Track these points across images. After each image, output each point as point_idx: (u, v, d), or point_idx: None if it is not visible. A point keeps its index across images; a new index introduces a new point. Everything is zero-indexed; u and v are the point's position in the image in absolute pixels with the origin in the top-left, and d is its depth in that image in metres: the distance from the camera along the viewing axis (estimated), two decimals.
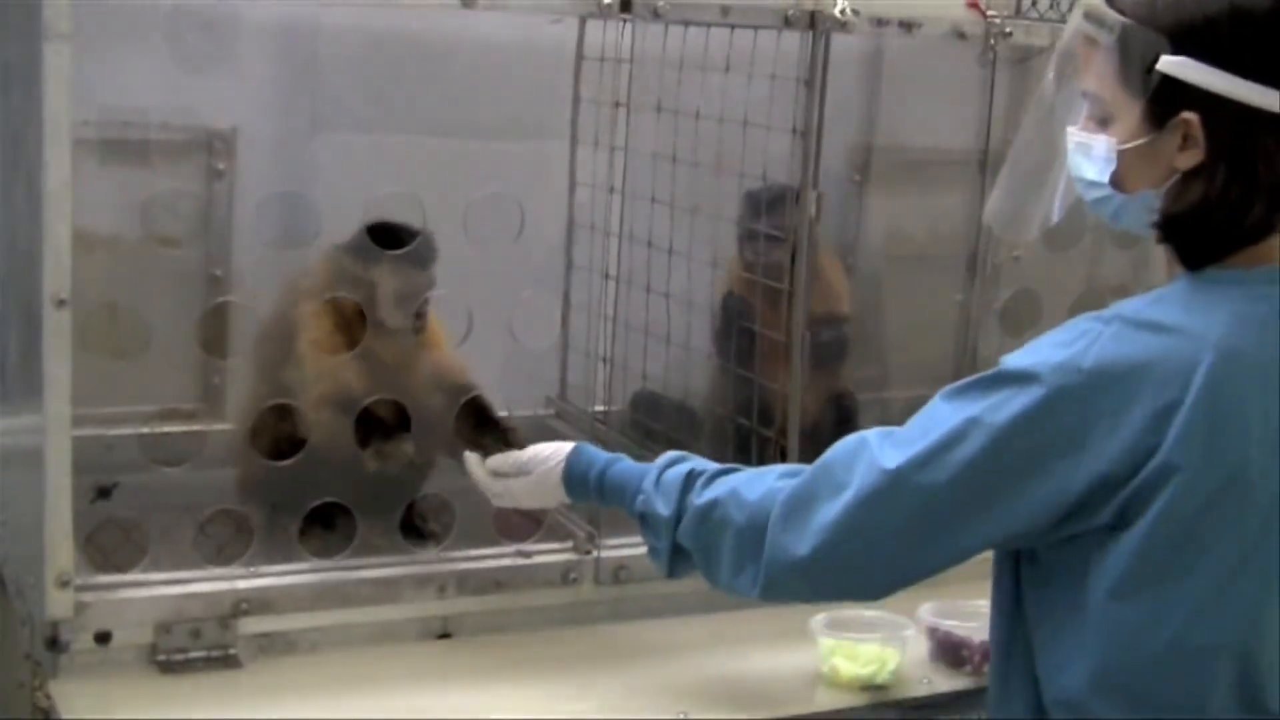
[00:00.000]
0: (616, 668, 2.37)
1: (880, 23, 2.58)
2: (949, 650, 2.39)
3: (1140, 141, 1.71)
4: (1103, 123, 1.75)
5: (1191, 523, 1.65)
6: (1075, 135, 1.79)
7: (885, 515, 1.79)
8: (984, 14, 2.65)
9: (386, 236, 2.46)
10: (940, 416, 1.78)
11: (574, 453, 2.25)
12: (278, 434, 2.44)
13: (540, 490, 2.29)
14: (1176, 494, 1.64)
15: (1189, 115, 1.67)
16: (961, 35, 2.66)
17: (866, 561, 1.84)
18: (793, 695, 2.30)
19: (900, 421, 1.88)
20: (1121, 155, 1.72)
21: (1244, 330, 1.67)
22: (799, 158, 2.55)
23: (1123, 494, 1.66)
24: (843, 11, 2.50)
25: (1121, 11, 1.71)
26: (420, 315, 2.50)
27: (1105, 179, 1.75)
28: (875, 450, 1.82)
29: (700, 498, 2.04)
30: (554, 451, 2.28)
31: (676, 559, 2.09)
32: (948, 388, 1.81)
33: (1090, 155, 1.76)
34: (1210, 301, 1.70)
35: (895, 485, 1.77)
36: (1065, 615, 1.76)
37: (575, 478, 2.23)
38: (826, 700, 2.30)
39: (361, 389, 2.44)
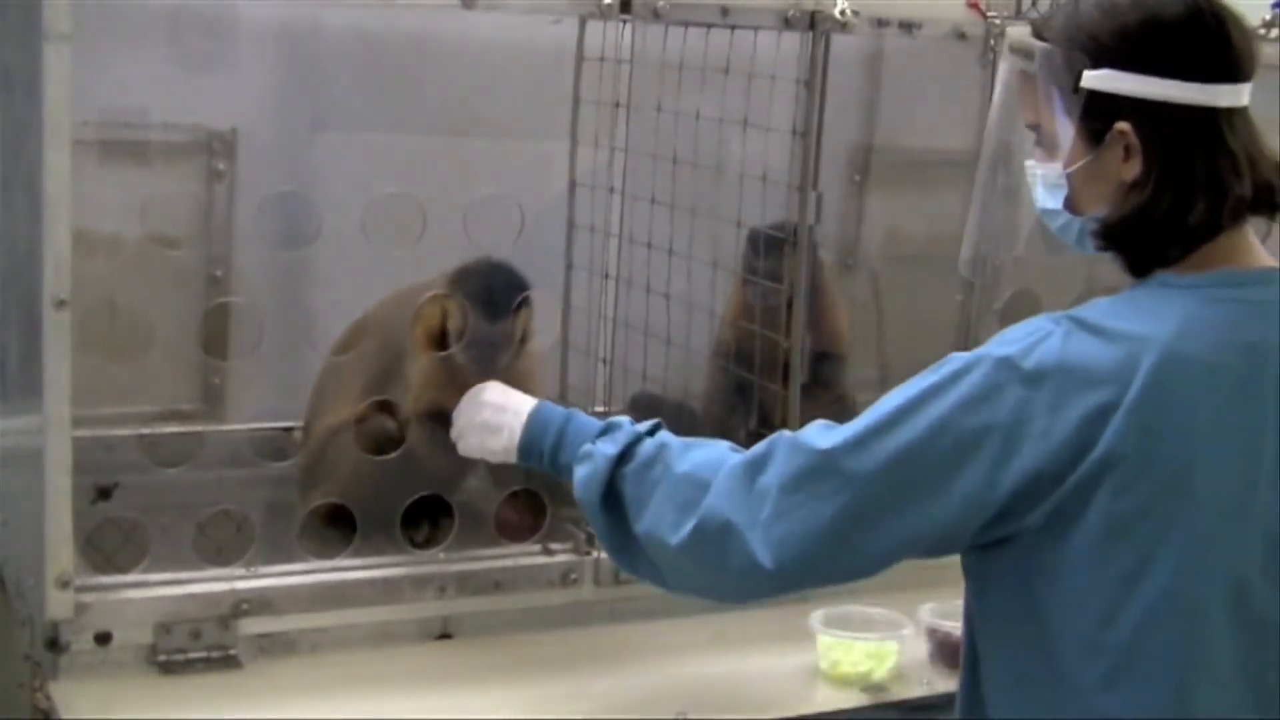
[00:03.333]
0: (616, 668, 2.37)
1: (880, 23, 2.58)
2: (949, 651, 2.39)
3: (1084, 161, 1.73)
4: (1051, 150, 1.78)
5: (1131, 523, 1.65)
6: (1030, 167, 1.82)
7: (811, 497, 1.77)
8: (984, 14, 2.65)
9: (475, 276, 2.47)
10: (882, 404, 1.78)
11: (536, 408, 2.21)
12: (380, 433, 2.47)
13: (486, 429, 2.25)
14: (1113, 493, 1.64)
15: (1122, 125, 1.69)
16: (961, 35, 2.66)
17: (790, 540, 1.79)
18: (792, 696, 2.30)
19: None
20: (1070, 179, 1.75)
21: (1194, 332, 1.67)
22: (799, 158, 2.55)
23: (1056, 494, 1.66)
24: (843, 12, 2.50)
25: (1043, 39, 1.75)
26: (489, 361, 2.45)
27: (1060, 204, 1.77)
28: (814, 431, 1.82)
29: (649, 446, 2.00)
30: (519, 402, 2.24)
31: (607, 497, 2.02)
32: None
33: (1046, 184, 1.79)
34: (1162, 305, 1.70)
35: (824, 466, 1.76)
36: (1009, 626, 1.76)
37: (536, 427, 2.18)
38: (826, 700, 2.30)
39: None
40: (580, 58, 2.85)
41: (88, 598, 2.18)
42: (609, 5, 2.39)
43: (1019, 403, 1.67)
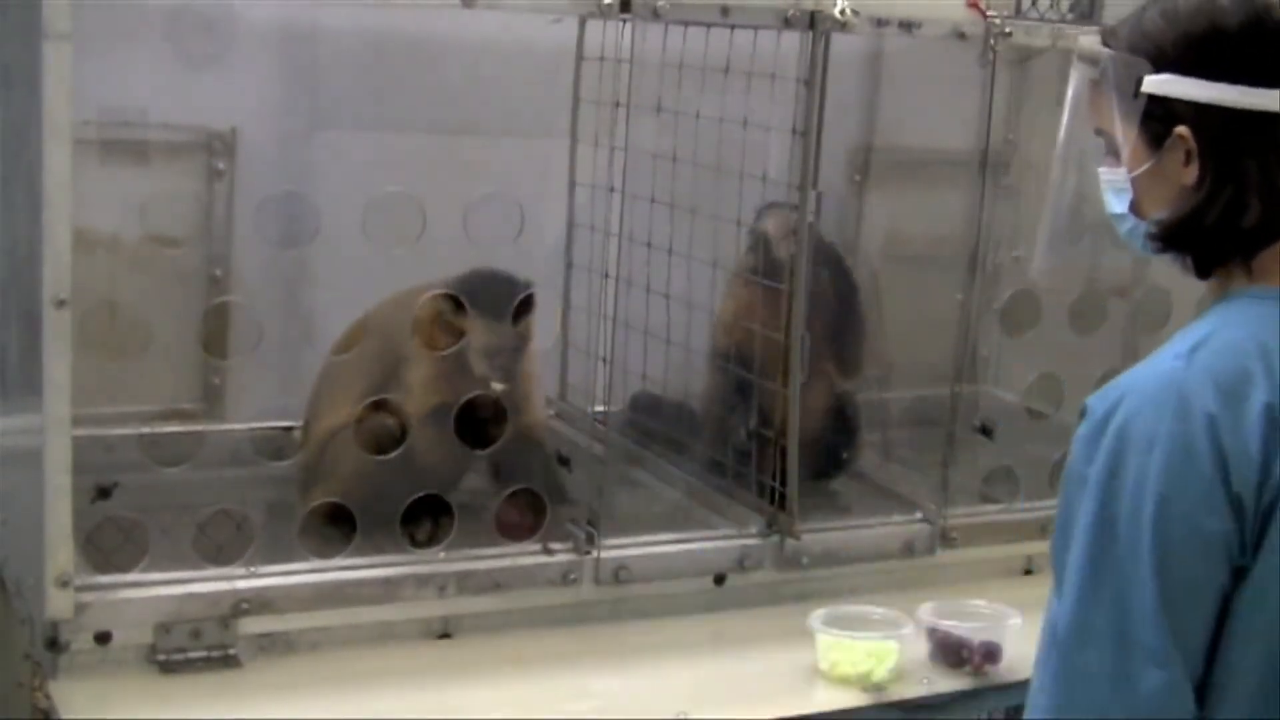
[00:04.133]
0: (616, 668, 2.37)
1: (880, 23, 2.57)
2: (949, 650, 2.39)
3: (1146, 165, 1.76)
4: (1117, 156, 1.80)
5: None
6: (1102, 173, 1.84)
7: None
8: (984, 14, 2.65)
9: (481, 288, 2.51)
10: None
11: None
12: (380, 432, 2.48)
13: None
14: None
15: (1182, 130, 1.72)
16: (961, 35, 2.66)
17: None
18: (792, 695, 2.30)
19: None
20: (1135, 183, 1.78)
21: None
22: (799, 158, 2.55)
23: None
24: (843, 11, 2.50)
25: (1110, 47, 1.79)
26: (508, 369, 2.54)
27: (1126, 209, 1.80)
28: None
29: None
30: None
31: None
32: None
33: (1115, 189, 1.82)
34: (1262, 316, 1.71)
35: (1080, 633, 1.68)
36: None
37: None
38: (826, 700, 2.30)
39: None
40: (580, 57, 2.85)
41: (87, 597, 2.18)
42: (609, 5, 2.39)
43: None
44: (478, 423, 2.49)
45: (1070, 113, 1.92)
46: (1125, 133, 1.77)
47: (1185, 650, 1.62)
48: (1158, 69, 1.73)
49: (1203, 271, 1.78)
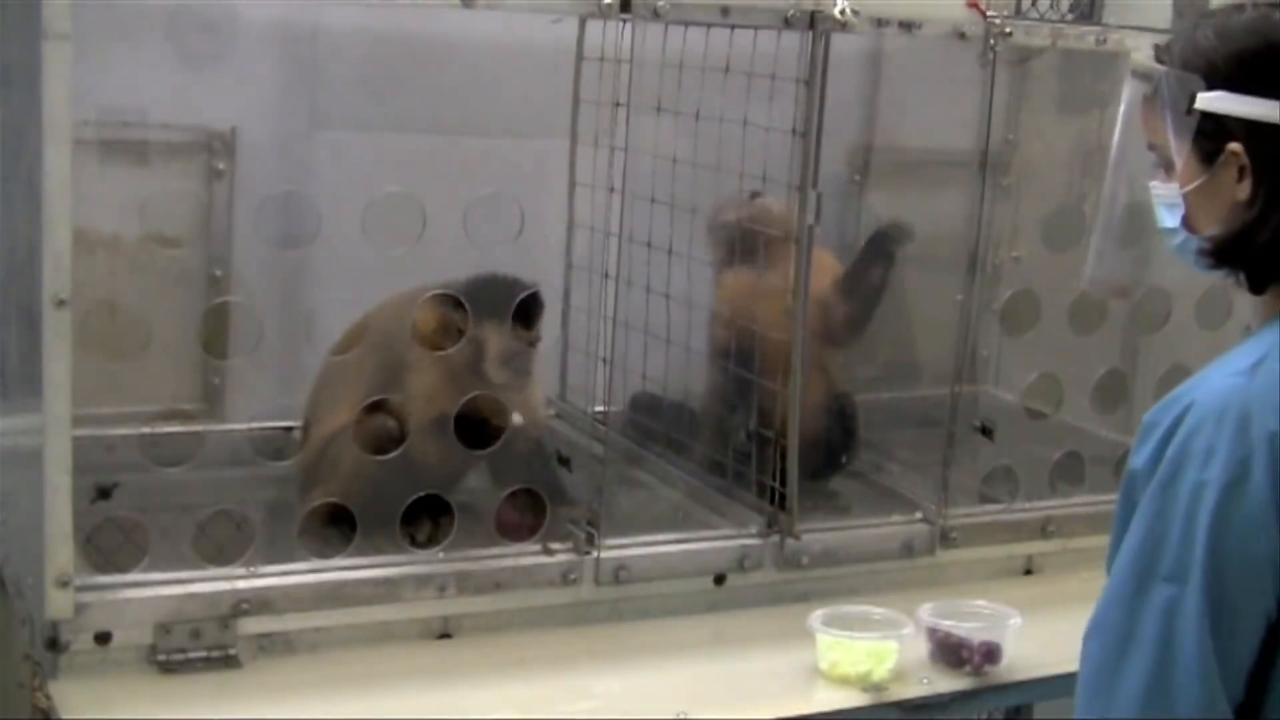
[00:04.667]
0: (616, 668, 2.37)
1: (880, 23, 2.57)
2: (949, 650, 2.39)
3: (1199, 181, 1.77)
4: (1169, 171, 1.81)
5: None
6: (1153, 188, 1.85)
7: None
8: (984, 14, 2.65)
9: (491, 294, 2.51)
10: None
11: None
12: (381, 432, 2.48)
13: None
14: None
15: (1234, 146, 1.73)
16: (961, 35, 2.66)
17: None
18: (792, 695, 2.30)
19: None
20: (1187, 198, 1.79)
21: None
22: (799, 158, 2.55)
23: None
24: (843, 11, 2.50)
25: (1163, 62, 1.79)
26: (525, 372, 2.57)
27: (1178, 223, 1.81)
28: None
29: None
30: None
31: None
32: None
33: (1166, 204, 1.82)
34: None
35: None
36: None
37: None
38: (825, 700, 2.30)
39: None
40: (580, 58, 2.85)
41: (88, 597, 2.18)
42: (609, 5, 2.39)
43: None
44: (478, 423, 2.49)
45: (1122, 126, 1.92)
46: (1178, 148, 1.78)
47: (1227, 670, 1.62)
48: (1210, 86, 1.73)
49: (1256, 287, 1.78)
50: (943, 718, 2.35)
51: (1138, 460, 1.70)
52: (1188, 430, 1.64)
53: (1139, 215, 1.96)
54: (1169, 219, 1.82)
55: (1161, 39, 1.84)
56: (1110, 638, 1.67)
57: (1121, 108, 1.92)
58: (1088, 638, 1.71)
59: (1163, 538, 1.64)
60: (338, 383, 2.63)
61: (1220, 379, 1.68)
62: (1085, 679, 1.70)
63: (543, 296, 2.57)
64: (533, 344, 2.58)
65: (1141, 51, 1.86)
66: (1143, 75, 1.82)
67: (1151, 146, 1.84)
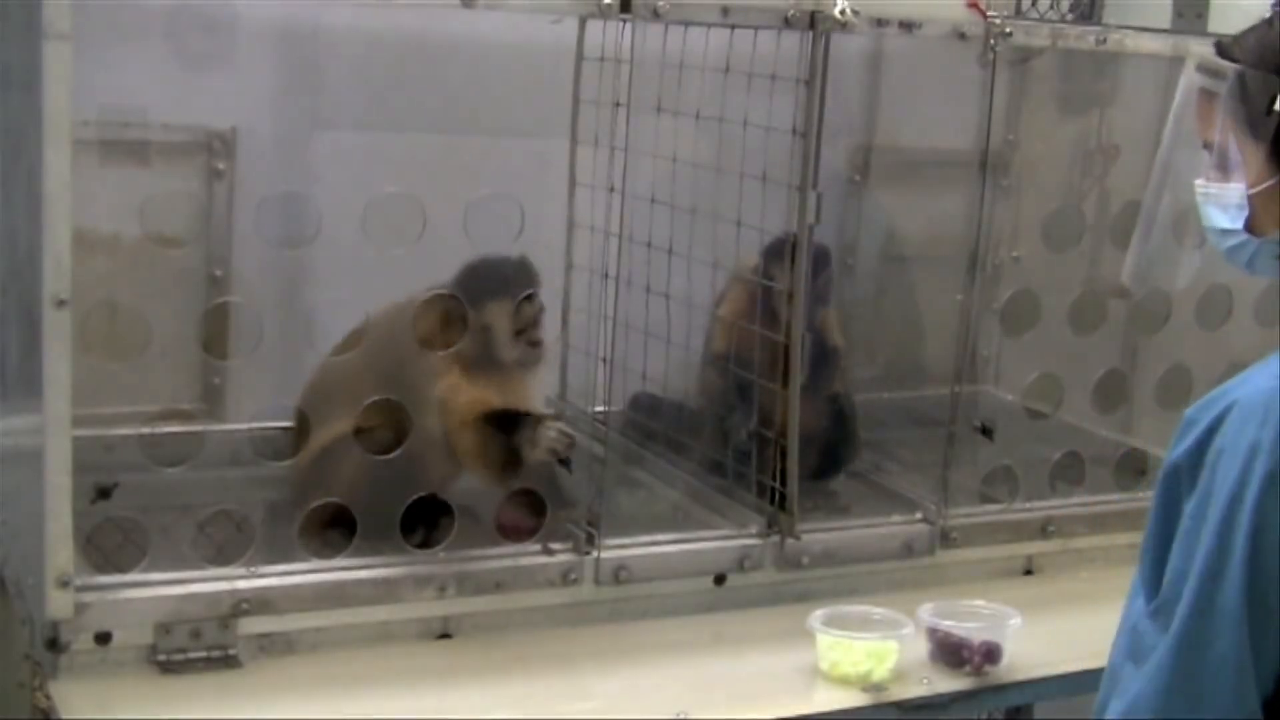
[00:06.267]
0: (616, 668, 2.37)
1: (880, 23, 2.57)
2: (949, 650, 2.39)
3: (1270, 183, 1.72)
4: (1228, 171, 1.76)
5: None
6: (1203, 187, 1.80)
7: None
8: (984, 14, 2.65)
9: (482, 275, 2.52)
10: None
11: None
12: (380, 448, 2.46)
13: None
14: None
15: None
16: (961, 35, 2.66)
17: None
18: (792, 695, 2.30)
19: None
20: (1252, 200, 1.74)
21: None
22: (799, 158, 2.55)
23: None
24: (843, 11, 2.50)
25: (1232, 59, 1.73)
26: (536, 343, 2.59)
27: (1239, 225, 1.76)
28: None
29: None
30: None
31: None
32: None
33: (1221, 204, 1.77)
34: None
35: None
36: None
37: None
38: (825, 700, 2.30)
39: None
40: (580, 58, 2.85)
41: (88, 597, 2.18)
42: (609, 5, 2.39)
43: None
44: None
45: (1174, 122, 1.86)
46: (1246, 147, 1.73)
47: (1261, 665, 1.61)
48: None
49: None
50: (943, 718, 2.35)
51: (1177, 452, 1.68)
52: (1230, 428, 1.63)
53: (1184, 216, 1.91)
54: (1224, 219, 1.77)
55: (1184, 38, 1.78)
56: (1146, 631, 1.66)
57: (1174, 103, 1.86)
58: (1121, 631, 1.70)
59: (1201, 534, 1.63)
60: (336, 394, 2.61)
61: (1264, 379, 1.66)
62: (1113, 670, 1.70)
63: (533, 264, 2.58)
64: (537, 313, 2.58)
65: (1202, 47, 1.79)
66: (1210, 71, 1.75)
67: (1207, 145, 1.78)
